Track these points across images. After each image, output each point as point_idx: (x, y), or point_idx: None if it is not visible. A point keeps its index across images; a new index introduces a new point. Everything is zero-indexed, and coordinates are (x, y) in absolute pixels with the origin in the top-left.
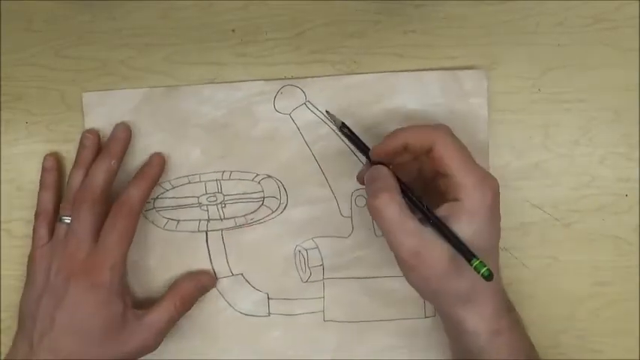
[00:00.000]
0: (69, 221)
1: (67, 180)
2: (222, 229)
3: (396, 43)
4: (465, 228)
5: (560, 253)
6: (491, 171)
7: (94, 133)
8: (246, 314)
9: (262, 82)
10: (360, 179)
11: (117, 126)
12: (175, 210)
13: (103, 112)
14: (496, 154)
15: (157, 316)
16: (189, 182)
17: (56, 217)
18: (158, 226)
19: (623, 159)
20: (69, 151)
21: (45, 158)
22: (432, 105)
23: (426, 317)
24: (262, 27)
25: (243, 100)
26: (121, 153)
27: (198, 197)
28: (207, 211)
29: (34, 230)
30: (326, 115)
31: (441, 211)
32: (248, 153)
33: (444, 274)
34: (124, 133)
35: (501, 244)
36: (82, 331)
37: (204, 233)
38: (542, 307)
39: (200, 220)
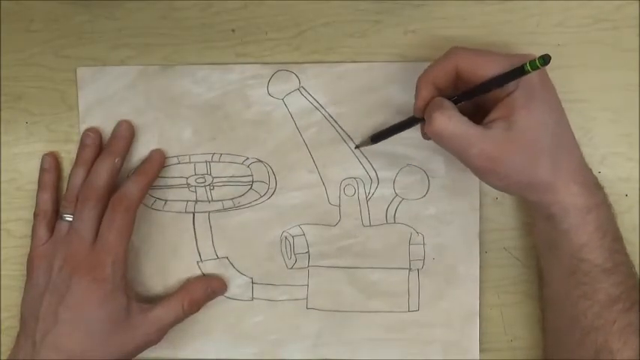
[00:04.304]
0: (70, 219)
1: (67, 179)
2: (209, 212)
3: (396, 43)
4: (526, 117)
5: None
6: None
7: (96, 132)
8: (229, 297)
9: (257, 65)
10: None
11: (120, 124)
12: (163, 190)
13: (96, 87)
14: None
15: (164, 312)
16: (179, 162)
17: (55, 216)
18: (145, 205)
19: (623, 159)
20: (69, 152)
21: (43, 158)
22: None
23: (409, 311)
24: (262, 27)
25: (236, 83)
26: (125, 151)
27: (187, 178)
28: (196, 192)
29: (33, 230)
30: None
31: (496, 113)
32: (239, 136)
33: (523, 166)
34: (127, 132)
35: (501, 243)
36: (86, 327)
37: (192, 214)
38: None
39: (188, 201)
